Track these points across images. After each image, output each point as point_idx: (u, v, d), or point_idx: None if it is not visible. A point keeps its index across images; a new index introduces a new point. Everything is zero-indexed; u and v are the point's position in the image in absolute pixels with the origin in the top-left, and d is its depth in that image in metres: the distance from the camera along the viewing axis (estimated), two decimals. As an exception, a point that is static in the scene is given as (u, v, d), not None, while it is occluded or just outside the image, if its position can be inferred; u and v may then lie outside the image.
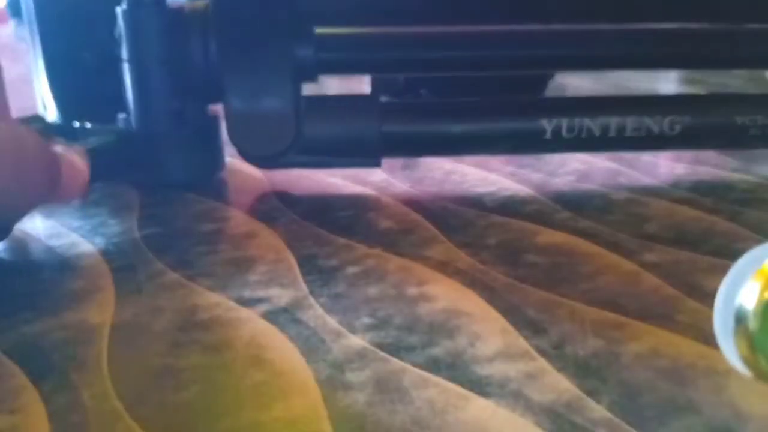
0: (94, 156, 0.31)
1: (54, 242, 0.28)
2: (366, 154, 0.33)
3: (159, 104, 0.32)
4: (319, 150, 0.33)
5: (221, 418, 0.16)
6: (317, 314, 0.21)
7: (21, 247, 0.28)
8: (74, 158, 0.27)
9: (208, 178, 0.35)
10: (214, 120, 0.35)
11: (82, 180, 0.27)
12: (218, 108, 0.34)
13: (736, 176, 0.33)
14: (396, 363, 0.18)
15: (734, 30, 0.34)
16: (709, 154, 0.37)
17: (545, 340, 0.19)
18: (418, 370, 0.18)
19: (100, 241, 0.28)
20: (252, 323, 0.21)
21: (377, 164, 0.33)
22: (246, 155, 0.33)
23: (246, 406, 0.17)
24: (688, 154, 0.37)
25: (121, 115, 0.33)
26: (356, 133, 0.32)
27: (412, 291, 0.22)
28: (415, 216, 0.29)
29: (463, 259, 0.24)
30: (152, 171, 0.34)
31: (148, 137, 0.33)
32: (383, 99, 0.33)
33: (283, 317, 0.21)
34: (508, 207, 0.30)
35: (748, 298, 0.16)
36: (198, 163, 0.35)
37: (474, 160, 0.37)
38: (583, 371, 0.17)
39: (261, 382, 0.18)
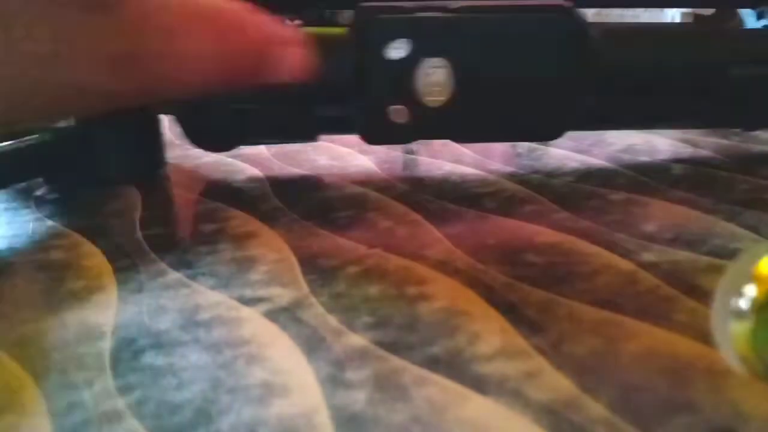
0: (32, 153, 0.32)
1: (56, 242, 0.28)
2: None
3: None
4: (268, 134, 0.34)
5: (222, 416, 0.16)
6: (318, 313, 0.21)
7: (22, 245, 0.28)
8: (289, 31, 0.24)
9: (148, 175, 0.36)
10: (153, 118, 0.36)
11: (298, 56, 0.25)
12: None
13: (736, 176, 0.33)
14: (396, 361, 0.18)
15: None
16: (709, 154, 0.37)
17: (544, 339, 0.19)
18: (417, 369, 0.18)
19: (102, 241, 0.28)
20: (253, 322, 0.21)
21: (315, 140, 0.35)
22: (200, 147, 0.35)
23: (247, 404, 0.17)
24: (686, 155, 0.37)
25: None
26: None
27: (412, 290, 0.22)
28: (415, 216, 0.29)
29: (463, 258, 0.25)
30: (89, 168, 0.35)
31: (84, 134, 0.34)
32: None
33: (284, 316, 0.21)
34: (507, 207, 0.30)
35: (745, 297, 0.16)
36: (135, 159, 0.36)
37: (474, 160, 0.37)
38: (581, 370, 0.18)
39: (262, 380, 0.18)
